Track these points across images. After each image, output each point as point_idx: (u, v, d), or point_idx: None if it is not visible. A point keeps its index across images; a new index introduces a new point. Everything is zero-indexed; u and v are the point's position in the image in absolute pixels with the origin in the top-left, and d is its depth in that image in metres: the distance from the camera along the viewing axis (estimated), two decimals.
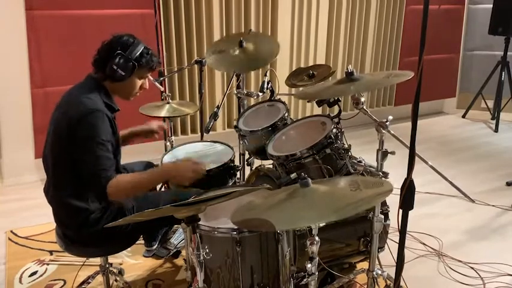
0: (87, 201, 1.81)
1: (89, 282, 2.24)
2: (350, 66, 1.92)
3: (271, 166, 2.49)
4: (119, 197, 1.77)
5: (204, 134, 2.71)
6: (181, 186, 2.04)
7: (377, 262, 2.12)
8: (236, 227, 1.64)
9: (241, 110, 2.68)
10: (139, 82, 1.93)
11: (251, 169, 2.64)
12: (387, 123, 1.85)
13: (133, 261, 2.54)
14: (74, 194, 1.80)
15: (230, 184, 2.28)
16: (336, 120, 2.10)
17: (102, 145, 1.75)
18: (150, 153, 3.23)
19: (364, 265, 2.22)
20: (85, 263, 2.40)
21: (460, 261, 2.56)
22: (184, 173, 1.82)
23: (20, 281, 2.39)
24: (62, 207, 1.85)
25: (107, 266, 2.13)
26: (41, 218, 2.88)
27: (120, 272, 2.33)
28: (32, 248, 2.69)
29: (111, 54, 1.83)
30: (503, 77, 4.90)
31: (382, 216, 1.94)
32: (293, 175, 1.93)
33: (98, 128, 1.74)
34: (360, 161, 2.01)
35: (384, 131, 1.86)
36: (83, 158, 1.74)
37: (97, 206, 1.83)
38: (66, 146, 1.76)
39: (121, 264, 2.49)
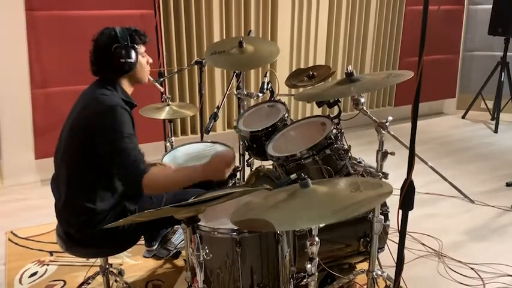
0: (95, 202, 1.80)
1: (89, 283, 2.24)
2: (350, 66, 1.93)
3: (271, 167, 2.49)
4: (153, 190, 1.79)
5: (204, 134, 2.71)
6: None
7: (377, 263, 2.12)
8: (236, 228, 1.64)
9: (241, 111, 2.68)
10: (144, 60, 1.95)
11: (251, 170, 2.64)
12: (387, 123, 1.85)
13: (134, 262, 2.54)
14: (84, 194, 1.80)
15: (230, 185, 2.28)
16: (335, 120, 2.10)
17: (128, 138, 1.74)
18: (150, 154, 3.21)
19: (364, 266, 2.22)
20: (85, 264, 2.41)
21: (460, 261, 2.56)
22: (221, 169, 1.81)
23: (20, 282, 2.39)
24: (68, 206, 1.85)
25: (107, 266, 2.13)
26: (41, 218, 2.89)
27: (120, 273, 2.33)
28: (32, 249, 2.69)
29: (109, 53, 1.83)
30: (502, 77, 4.90)
31: (382, 217, 1.94)
32: (293, 176, 1.93)
33: (121, 122, 1.74)
34: (360, 162, 2.01)
35: (383, 132, 1.86)
36: (112, 152, 1.72)
37: (104, 207, 1.82)
38: (88, 144, 1.75)
39: (121, 264, 2.49)
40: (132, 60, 1.86)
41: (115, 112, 1.75)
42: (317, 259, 1.60)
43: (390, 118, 1.86)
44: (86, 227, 1.82)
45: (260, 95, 2.51)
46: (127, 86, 1.93)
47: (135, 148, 1.75)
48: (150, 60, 2.00)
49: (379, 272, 2.05)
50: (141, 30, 1.94)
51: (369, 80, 1.97)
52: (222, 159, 1.84)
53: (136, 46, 1.88)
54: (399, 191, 1.61)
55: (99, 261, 2.14)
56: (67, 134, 1.85)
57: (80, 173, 1.81)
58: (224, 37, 4.06)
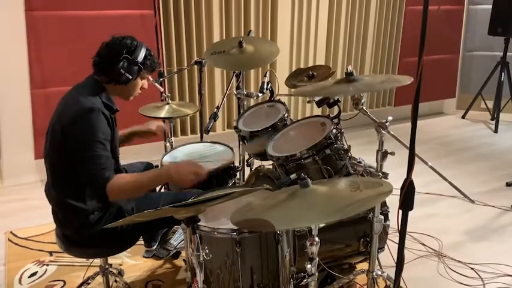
0: (84, 201, 1.80)
1: (89, 283, 2.23)
2: (350, 66, 1.92)
3: (270, 167, 2.49)
4: (118, 197, 1.78)
5: (204, 134, 2.71)
6: (181, 188, 2.04)
7: (377, 263, 2.12)
8: (236, 228, 1.64)
9: (241, 111, 2.68)
10: (140, 83, 1.96)
11: (251, 170, 2.64)
12: (387, 123, 1.85)
13: (133, 262, 2.54)
14: (71, 194, 1.80)
15: (230, 185, 2.28)
16: (335, 120, 2.10)
17: (100, 143, 1.74)
18: (150, 154, 3.23)
19: (364, 266, 2.22)
20: (85, 264, 2.40)
21: (460, 261, 2.56)
22: (185, 175, 1.79)
23: (20, 282, 2.39)
24: (60, 207, 1.86)
25: (107, 266, 2.13)
26: (41, 218, 2.88)
27: (120, 273, 2.33)
28: (31, 249, 2.69)
29: (117, 58, 1.83)
30: (502, 77, 4.90)
31: (382, 217, 1.94)
32: (293, 176, 1.93)
33: (94, 126, 1.74)
34: (360, 162, 2.01)
35: (383, 132, 1.86)
36: (81, 156, 1.73)
37: (95, 206, 1.83)
38: (63, 145, 1.76)
39: (121, 265, 2.49)
40: (130, 77, 1.86)
41: (90, 115, 1.74)
42: (317, 259, 1.60)
43: (390, 118, 1.86)
44: (83, 229, 1.82)
45: (260, 95, 2.51)
46: (111, 93, 1.92)
47: (103, 155, 1.74)
48: (145, 86, 2.00)
49: (379, 272, 2.05)
50: (156, 60, 1.97)
51: (368, 82, 1.97)
52: (190, 166, 1.82)
53: (143, 69, 1.89)
54: (399, 191, 1.61)
55: (98, 261, 2.14)
56: (50, 134, 1.85)
57: (63, 173, 1.81)
58: (224, 37, 4.06)
